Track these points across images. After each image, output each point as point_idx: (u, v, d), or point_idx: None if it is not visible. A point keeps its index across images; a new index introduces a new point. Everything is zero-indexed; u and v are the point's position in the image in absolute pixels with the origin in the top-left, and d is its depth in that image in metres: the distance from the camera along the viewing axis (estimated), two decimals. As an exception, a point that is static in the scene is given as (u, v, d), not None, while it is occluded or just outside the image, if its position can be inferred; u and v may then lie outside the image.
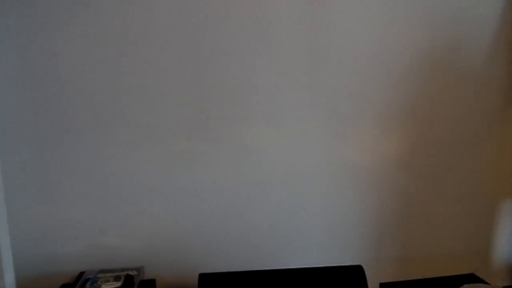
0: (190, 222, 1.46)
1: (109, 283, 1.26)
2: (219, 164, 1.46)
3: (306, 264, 1.36)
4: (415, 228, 1.62)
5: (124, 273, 1.32)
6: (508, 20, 1.55)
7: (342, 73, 1.47)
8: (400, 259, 1.62)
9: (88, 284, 1.26)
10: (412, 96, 1.53)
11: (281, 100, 1.45)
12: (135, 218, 1.42)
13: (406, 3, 1.47)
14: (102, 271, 1.33)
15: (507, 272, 1.73)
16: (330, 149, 1.52)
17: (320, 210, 1.54)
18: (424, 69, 1.52)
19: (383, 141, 1.56)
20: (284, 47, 1.42)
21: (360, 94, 1.50)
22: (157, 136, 1.40)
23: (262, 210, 1.50)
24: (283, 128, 1.48)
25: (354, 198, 1.56)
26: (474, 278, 1.45)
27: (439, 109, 1.57)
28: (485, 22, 1.54)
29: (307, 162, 1.51)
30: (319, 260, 1.39)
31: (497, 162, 1.65)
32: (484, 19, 1.54)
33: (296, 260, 1.43)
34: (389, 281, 1.44)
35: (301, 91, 1.46)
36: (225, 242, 1.49)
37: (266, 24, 1.40)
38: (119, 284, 1.26)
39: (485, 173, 1.66)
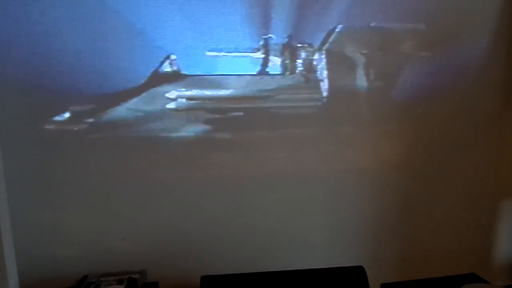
0: (192, 225, 1.47)
1: (112, 286, 1.27)
2: (220, 167, 1.47)
3: (308, 265, 1.36)
4: (416, 228, 1.63)
5: (127, 276, 1.32)
6: (507, 20, 1.55)
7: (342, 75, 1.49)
8: (401, 259, 1.62)
9: (91, 288, 1.27)
10: (412, 97, 1.54)
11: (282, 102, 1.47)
12: (138, 222, 1.43)
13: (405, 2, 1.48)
14: (105, 275, 1.33)
15: (507, 272, 1.74)
16: (331, 151, 1.53)
17: (321, 212, 1.55)
18: (424, 70, 1.53)
19: (383, 143, 1.57)
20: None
21: (360, 96, 1.51)
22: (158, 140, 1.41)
23: (264, 213, 1.51)
24: (283, 130, 1.49)
25: (355, 200, 1.56)
26: (474, 278, 1.45)
27: (438, 110, 1.58)
28: (484, 22, 1.55)
29: (308, 164, 1.52)
30: (321, 261, 1.40)
31: (497, 162, 1.66)
32: (483, 19, 1.55)
33: (298, 262, 1.43)
34: (390, 281, 1.44)
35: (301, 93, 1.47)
36: (227, 245, 1.50)
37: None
38: (122, 287, 1.27)
39: (485, 173, 1.66)
